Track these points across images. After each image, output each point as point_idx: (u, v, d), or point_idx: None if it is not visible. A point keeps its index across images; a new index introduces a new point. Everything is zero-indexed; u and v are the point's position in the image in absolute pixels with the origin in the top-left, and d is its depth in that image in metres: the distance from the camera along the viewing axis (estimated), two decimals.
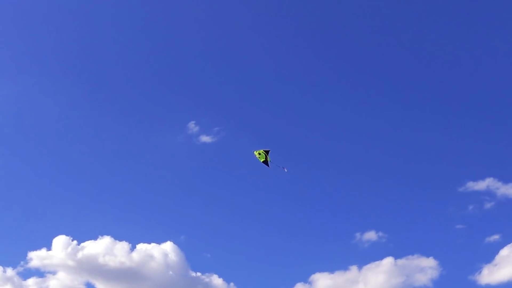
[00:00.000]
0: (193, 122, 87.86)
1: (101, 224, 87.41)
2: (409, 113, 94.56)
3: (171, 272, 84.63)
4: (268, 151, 52.14)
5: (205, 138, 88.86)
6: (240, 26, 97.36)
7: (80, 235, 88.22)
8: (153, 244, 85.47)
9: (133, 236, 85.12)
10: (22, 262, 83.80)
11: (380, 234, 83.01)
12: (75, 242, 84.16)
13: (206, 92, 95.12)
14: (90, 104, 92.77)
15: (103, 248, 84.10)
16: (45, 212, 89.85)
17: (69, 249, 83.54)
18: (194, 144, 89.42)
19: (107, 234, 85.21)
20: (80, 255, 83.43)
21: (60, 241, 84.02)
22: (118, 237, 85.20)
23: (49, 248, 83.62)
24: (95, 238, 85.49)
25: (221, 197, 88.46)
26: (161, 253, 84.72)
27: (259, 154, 52.40)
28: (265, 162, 52.13)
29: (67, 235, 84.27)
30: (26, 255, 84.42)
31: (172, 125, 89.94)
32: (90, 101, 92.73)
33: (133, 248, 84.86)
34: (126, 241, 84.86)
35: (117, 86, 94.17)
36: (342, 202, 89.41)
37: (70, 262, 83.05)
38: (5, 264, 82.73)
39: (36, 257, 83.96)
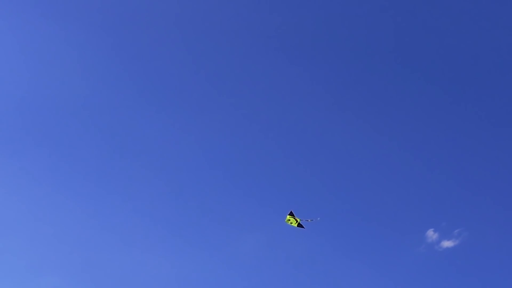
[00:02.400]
0: (431, 229, 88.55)
1: None
2: None
3: None
4: (291, 213, 53.41)
5: (446, 243, 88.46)
6: None
7: None
8: None
9: None
10: None
11: None
12: None
13: (441, 198, 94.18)
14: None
15: None
16: None
17: None
18: (437, 251, 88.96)
19: None
20: None
21: None
22: None
23: None
24: None
25: None
26: None
27: (289, 221, 53.61)
28: (299, 225, 53.35)
29: None
30: None
31: (411, 237, 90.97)
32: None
33: None
34: None
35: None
36: None
37: None
38: None
39: None
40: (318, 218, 53.06)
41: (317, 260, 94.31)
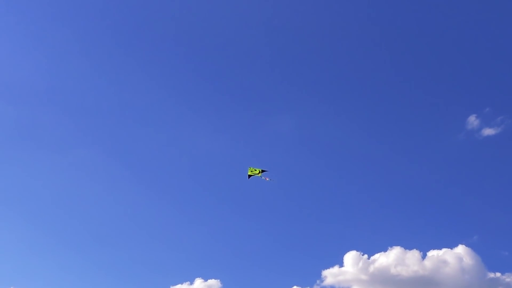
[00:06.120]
0: (473, 115, 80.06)
1: (389, 235, 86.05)
2: None
3: (466, 276, 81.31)
4: (264, 171, 55.20)
5: (488, 131, 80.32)
6: None
7: (370, 249, 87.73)
8: (444, 250, 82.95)
9: (423, 244, 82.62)
10: (318, 281, 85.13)
11: None
12: (365, 256, 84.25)
13: (486, 80, 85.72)
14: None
15: (394, 259, 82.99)
16: (335, 230, 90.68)
17: (360, 263, 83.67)
18: (477, 139, 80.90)
19: (397, 245, 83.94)
20: (371, 268, 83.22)
21: (351, 257, 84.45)
22: (407, 246, 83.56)
23: (341, 264, 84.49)
24: (384, 250, 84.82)
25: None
26: (454, 257, 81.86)
27: (252, 171, 55.34)
28: (250, 176, 55.44)
29: (357, 250, 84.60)
30: (320, 274, 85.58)
31: (450, 123, 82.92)
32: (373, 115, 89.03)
33: (424, 256, 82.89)
34: (416, 249, 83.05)
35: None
36: None
37: (363, 276, 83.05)
38: (303, 284, 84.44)
39: (330, 275, 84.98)
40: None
41: (351, 146, 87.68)
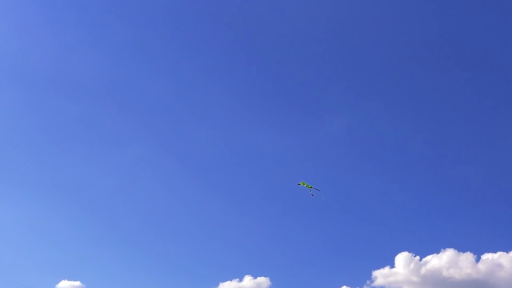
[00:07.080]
0: None
1: (442, 237, 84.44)
2: None
3: None
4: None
5: None
6: None
7: (422, 250, 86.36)
8: (499, 253, 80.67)
9: (477, 246, 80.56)
10: (368, 281, 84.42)
11: None
12: (417, 257, 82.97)
13: None
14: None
15: (447, 261, 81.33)
16: (387, 230, 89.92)
17: (412, 265, 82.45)
18: None
19: (450, 247, 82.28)
20: (423, 270, 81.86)
21: (403, 258, 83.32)
22: (461, 248, 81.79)
23: (392, 265, 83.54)
24: (437, 251, 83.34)
25: None
26: (510, 261, 79.58)
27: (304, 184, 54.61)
28: (300, 184, 54.59)
29: (409, 251, 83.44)
30: (371, 274, 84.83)
31: (509, 124, 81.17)
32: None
33: (478, 258, 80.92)
34: (470, 252, 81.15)
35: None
36: None
37: (414, 278, 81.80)
38: (353, 284, 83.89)
39: (381, 276, 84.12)
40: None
41: (403, 146, 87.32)
